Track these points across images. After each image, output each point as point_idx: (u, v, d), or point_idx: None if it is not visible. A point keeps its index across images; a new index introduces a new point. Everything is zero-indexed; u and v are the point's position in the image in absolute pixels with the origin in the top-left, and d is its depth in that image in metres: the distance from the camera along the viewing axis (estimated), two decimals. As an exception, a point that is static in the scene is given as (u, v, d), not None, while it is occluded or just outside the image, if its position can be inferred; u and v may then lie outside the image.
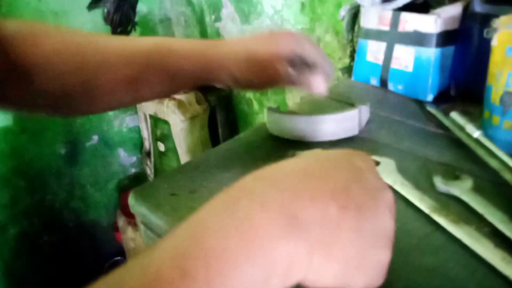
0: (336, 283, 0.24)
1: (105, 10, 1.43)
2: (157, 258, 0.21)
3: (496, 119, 0.48)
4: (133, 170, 1.69)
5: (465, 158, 0.48)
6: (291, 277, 0.23)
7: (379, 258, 0.26)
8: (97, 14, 1.44)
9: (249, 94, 1.44)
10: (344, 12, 0.84)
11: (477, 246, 0.34)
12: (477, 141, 0.48)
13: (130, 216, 1.48)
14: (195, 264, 0.20)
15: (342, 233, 0.24)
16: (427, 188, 0.42)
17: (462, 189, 0.41)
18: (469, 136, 0.49)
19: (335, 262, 0.24)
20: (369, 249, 0.25)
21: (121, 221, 1.53)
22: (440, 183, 0.42)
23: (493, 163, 0.45)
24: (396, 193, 0.42)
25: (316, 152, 0.27)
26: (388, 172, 0.44)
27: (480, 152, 0.47)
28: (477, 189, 0.41)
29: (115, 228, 1.61)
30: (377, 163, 0.46)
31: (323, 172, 0.26)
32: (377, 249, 0.26)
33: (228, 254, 0.21)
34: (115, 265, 0.85)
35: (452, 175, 0.43)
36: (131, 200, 0.47)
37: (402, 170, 0.44)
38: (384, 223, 0.26)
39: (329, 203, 0.24)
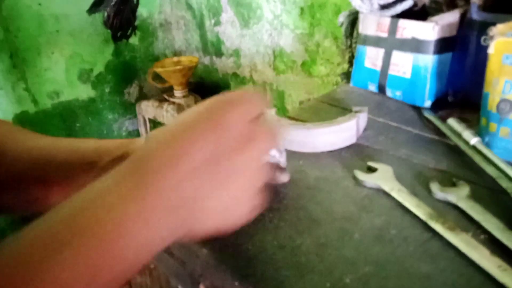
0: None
1: (105, 14, 1.44)
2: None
3: (493, 126, 0.48)
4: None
5: (462, 165, 0.48)
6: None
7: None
8: (97, 18, 1.44)
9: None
10: (342, 18, 0.85)
11: (474, 253, 0.34)
12: (474, 148, 0.48)
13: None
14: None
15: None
16: (424, 195, 0.42)
17: (459, 196, 0.41)
18: (466, 142, 0.49)
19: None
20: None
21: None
22: (437, 190, 0.42)
23: (490, 170, 0.45)
24: (393, 199, 0.42)
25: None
26: (385, 178, 0.45)
27: (477, 159, 0.47)
28: (474, 196, 0.41)
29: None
30: (375, 170, 0.46)
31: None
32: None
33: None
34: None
35: (449, 182, 0.43)
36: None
37: (399, 177, 0.45)
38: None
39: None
